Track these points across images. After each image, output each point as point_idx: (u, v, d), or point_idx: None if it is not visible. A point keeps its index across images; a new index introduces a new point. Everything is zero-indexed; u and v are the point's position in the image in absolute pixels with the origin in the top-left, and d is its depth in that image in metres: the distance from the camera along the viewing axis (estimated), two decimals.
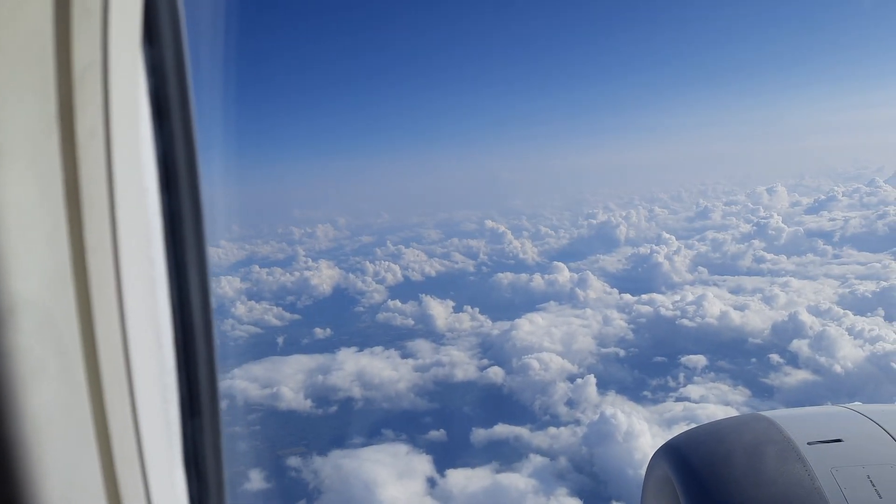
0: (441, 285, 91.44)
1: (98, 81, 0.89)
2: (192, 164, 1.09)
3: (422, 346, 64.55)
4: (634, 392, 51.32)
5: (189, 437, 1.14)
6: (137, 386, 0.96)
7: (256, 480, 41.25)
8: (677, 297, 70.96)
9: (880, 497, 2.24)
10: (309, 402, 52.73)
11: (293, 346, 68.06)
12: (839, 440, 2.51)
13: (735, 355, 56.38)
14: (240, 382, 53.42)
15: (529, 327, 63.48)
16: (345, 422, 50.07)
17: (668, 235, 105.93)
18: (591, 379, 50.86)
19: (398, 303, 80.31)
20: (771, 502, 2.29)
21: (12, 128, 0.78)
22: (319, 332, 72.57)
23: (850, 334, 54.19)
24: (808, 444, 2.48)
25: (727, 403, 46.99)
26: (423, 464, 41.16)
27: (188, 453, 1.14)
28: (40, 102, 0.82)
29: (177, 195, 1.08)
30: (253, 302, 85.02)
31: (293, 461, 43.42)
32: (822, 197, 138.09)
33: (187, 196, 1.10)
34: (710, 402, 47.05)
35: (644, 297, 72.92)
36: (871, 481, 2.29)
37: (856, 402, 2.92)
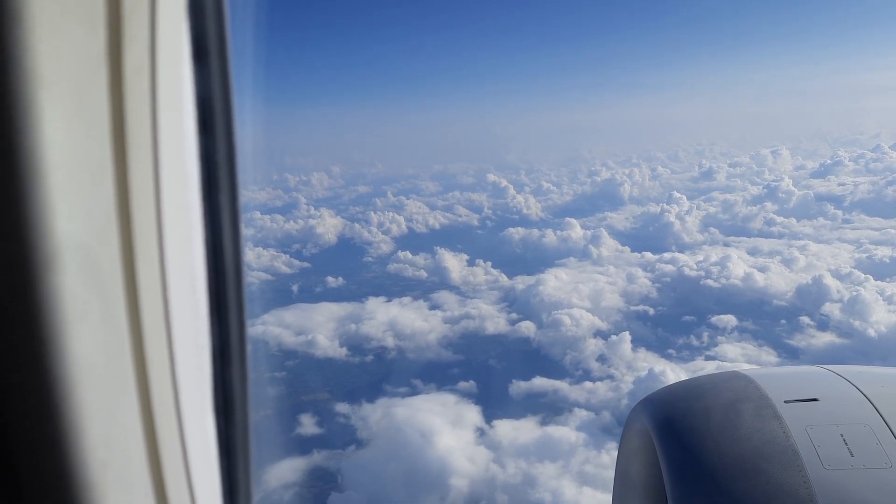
0: (447, 238, 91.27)
1: (146, 15, 0.85)
2: (227, 108, 1.07)
3: (447, 298, 64.81)
4: (664, 349, 51.94)
5: (219, 382, 1.14)
6: (175, 331, 0.96)
7: (308, 425, 41.40)
8: (700, 258, 71.45)
9: (852, 455, 2.28)
10: (344, 350, 52.96)
11: (308, 294, 67.84)
12: (815, 399, 2.56)
13: (760, 316, 57.09)
14: (272, 328, 53.15)
15: (555, 283, 63.83)
16: (383, 371, 50.28)
17: (678, 195, 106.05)
18: (626, 336, 51.51)
19: (408, 254, 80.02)
20: (746, 458, 2.34)
21: (61, 62, 0.74)
22: (332, 281, 72.29)
23: (882, 298, 54.90)
24: (785, 402, 2.53)
25: (760, 364, 47.54)
26: (471, 414, 41.54)
27: (218, 398, 1.14)
28: (89, 36, 0.78)
29: (213, 139, 1.05)
30: (260, 248, 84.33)
31: (341, 407, 43.62)
32: (828, 161, 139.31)
33: (223, 140, 1.07)
34: (743, 362, 47.57)
35: (666, 255, 73.34)
36: (844, 440, 2.35)
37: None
